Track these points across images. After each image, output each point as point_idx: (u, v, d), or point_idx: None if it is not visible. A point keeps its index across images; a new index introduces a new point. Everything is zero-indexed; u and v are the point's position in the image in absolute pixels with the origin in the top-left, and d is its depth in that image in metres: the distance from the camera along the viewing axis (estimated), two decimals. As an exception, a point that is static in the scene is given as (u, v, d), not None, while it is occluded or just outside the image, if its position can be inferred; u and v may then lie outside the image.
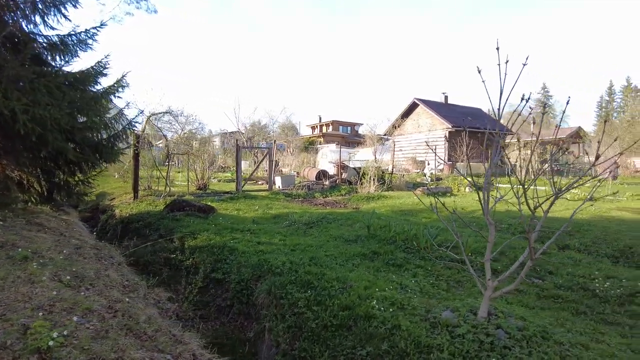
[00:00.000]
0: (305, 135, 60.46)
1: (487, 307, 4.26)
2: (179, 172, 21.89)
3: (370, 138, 21.26)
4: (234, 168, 16.89)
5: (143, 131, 13.89)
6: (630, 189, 18.07)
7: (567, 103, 3.80)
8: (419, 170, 25.54)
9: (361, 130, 54.69)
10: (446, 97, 31.18)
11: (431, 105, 28.30)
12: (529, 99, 3.52)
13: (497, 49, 3.41)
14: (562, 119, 4.85)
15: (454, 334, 3.98)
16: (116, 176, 19.43)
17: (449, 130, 25.36)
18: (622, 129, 52.33)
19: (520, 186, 3.68)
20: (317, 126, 66.87)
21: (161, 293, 5.94)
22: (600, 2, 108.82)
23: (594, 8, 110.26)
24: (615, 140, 4.49)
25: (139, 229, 9.49)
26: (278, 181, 15.79)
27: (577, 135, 43.61)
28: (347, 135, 57.85)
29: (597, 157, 3.13)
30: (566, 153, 39.13)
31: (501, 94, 3.53)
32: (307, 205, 12.72)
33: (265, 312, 5.34)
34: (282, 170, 20.52)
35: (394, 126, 26.39)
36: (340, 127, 61.35)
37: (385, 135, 29.69)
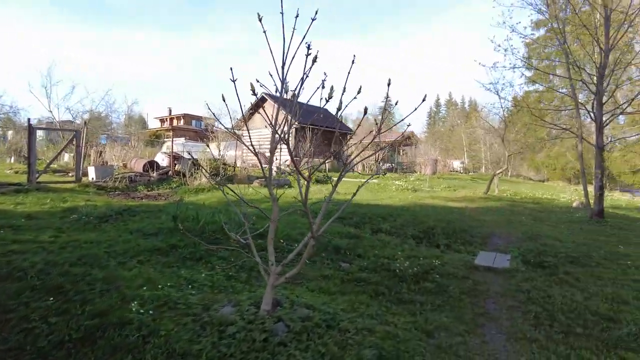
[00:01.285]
0: (154, 129, 55.39)
1: (272, 297, 3.63)
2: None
3: (221, 133, 20.16)
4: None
5: None
6: (445, 183, 20.70)
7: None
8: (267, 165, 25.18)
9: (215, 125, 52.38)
10: (294, 95, 31.51)
11: (279, 101, 28.11)
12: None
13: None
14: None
15: (224, 334, 3.23)
16: None
17: (296, 127, 25.75)
18: (445, 135, 61.70)
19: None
20: (166, 119, 61.99)
21: None
22: (430, 35, 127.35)
23: (426, 38, 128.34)
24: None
25: None
26: (92, 172, 13.34)
27: (409, 137, 49.28)
28: (201, 130, 54.89)
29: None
30: (401, 154, 44.02)
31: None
32: (120, 199, 10.91)
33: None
34: (107, 163, 17.73)
35: (243, 121, 25.44)
36: (193, 122, 57.93)
37: (233, 129, 28.56)
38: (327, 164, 23.75)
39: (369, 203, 11.03)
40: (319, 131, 21.98)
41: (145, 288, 4.09)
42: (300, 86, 3.34)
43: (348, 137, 28.32)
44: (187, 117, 58.75)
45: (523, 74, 12.86)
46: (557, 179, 40.98)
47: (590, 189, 12.16)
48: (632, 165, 31.71)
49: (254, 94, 3.23)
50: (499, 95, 13.70)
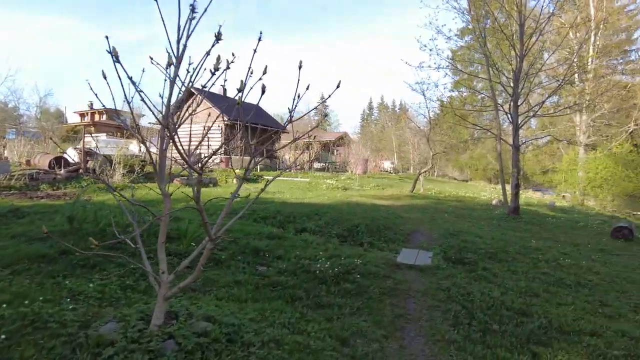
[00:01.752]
0: (72, 124, 50.66)
1: (164, 310, 3.10)
2: None
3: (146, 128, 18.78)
4: None
5: None
6: (375, 182, 21.01)
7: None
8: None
9: (142, 121, 49.19)
10: (225, 90, 30.52)
11: (209, 96, 26.89)
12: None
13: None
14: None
15: (100, 358, 2.66)
16: None
17: (226, 123, 24.71)
18: (376, 136, 63.44)
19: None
20: (87, 114, 57.04)
21: None
22: (359, 46, 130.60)
23: (356, 47, 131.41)
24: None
25: None
26: (-20, 170, 11.57)
27: (342, 138, 49.90)
28: (124, 126, 51.08)
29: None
30: (335, 154, 44.43)
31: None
32: (13, 199, 9.51)
33: None
34: (6, 158, 15.61)
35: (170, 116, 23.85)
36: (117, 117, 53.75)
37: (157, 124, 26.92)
38: (260, 163, 23.10)
39: (297, 202, 10.69)
40: (256, 129, 21.26)
41: (5, 306, 3.34)
42: (200, 66, 2.84)
43: (281, 136, 27.85)
44: (111, 112, 54.55)
45: (447, 74, 13.31)
46: (479, 179, 43.74)
47: (508, 187, 12.89)
48: (542, 165, 34.55)
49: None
50: (424, 95, 14.07)
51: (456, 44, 14.42)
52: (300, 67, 2.71)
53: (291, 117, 2.80)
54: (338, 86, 2.81)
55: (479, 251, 6.95)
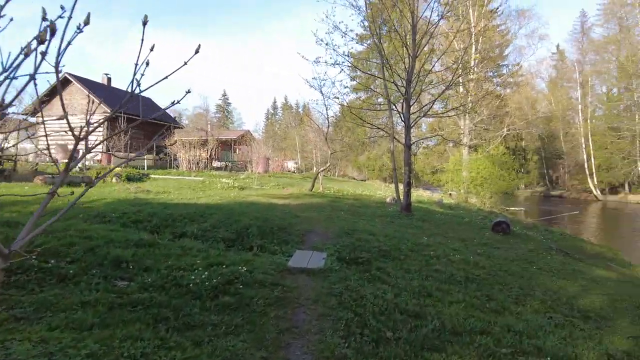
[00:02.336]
0: None
1: None
2: None
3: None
4: None
5: None
6: (276, 181, 20.42)
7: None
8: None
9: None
10: (109, 79, 27.36)
11: (89, 85, 23.82)
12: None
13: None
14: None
15: None
16: None
17: (111, 116, 22.01)
18: (280, 136, 63.11)
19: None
20: None
21: None
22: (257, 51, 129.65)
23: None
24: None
25: None
26: None
27: (244, 136, 48.44)
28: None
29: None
30: (237, 152, 42.87)
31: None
32: None
33: None
34: None
35: (38, 105, 20.57)
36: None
37: (26, 115, 23.05)
38: (147, 161, 20.95)
39: (183, 202, 9.58)
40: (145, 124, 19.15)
41: None
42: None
43: (174, 131, 25.75)
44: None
45: (343, 70, 13.24)
46: (376, 179, 45.77)
47: (401, 186, 13.26)
48: (432, 165, 37.29)
49: None
50: (322, 92, 13.86)
51: (354, 47, 14.74)
52: (144, 23, 1.90)
53: (132, 90, 1.99)
54: (197, 51, 2.08)
55: (373, 250, 6.72)
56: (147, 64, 1.82)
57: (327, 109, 14.93)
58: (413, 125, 11.44)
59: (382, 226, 9.57)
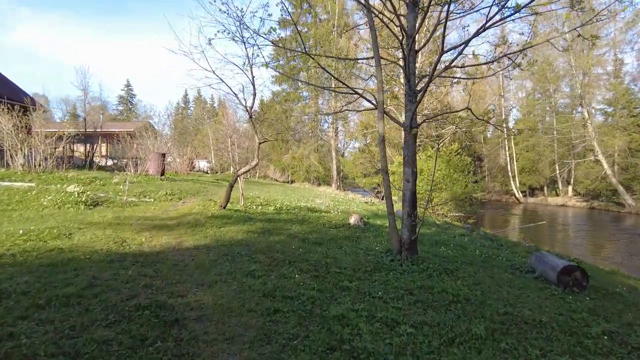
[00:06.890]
0: None
1: None
2: None
3: None
4: None
5: None
6: (172, 186, 13.77)
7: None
8: None
9: None
10: None
11: None
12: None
13: None
14: None
15: None
16: None
17: None
18: (192, 132, 55.18)
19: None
20: None
21: None
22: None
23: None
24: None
25: None
26: None
27: (146, 128, 40.15)
28: None
29: None
30: (135, 147, 34.69)
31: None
32: None
33: None
34: None
35: None
36: None
37: None
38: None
39: None
40: None
41: None
42: None
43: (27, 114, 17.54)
44: None
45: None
46: (302, 181, 40.52)
47: (397, 205, 8.05)
48: (364, 167, 33.41)
49: None
50: (244, 41, 7.95)
51: (277, 34, 9.38)
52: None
53: None
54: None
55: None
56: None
57: (252, 69, 8.84)
58: (425, 91, 5.77)
59: (392, 319, 3.95)
